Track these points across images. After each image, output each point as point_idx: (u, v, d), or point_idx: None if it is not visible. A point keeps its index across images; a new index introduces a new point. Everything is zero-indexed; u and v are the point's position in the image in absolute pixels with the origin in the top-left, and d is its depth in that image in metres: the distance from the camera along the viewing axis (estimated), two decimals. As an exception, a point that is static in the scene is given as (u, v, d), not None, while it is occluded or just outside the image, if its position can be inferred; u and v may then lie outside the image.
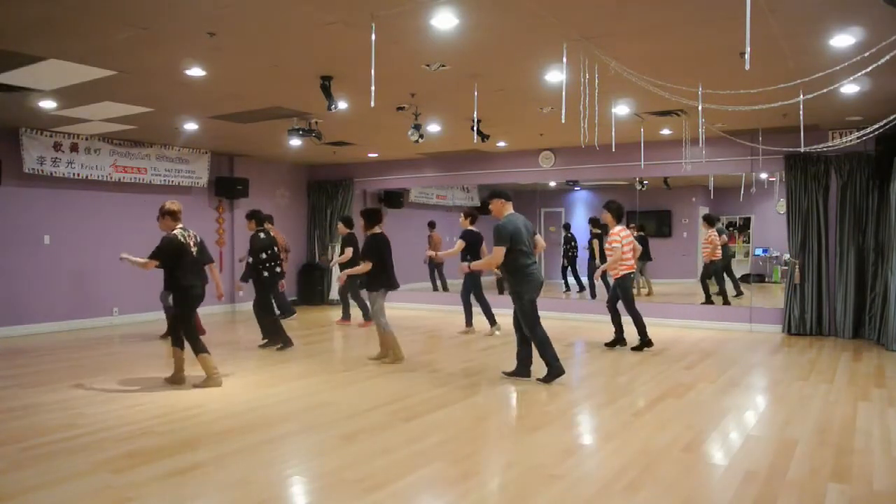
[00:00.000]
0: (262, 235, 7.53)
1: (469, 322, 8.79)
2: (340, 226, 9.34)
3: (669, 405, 5.13)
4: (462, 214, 8.62)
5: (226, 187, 11.05)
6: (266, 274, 7.43)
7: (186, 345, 5.73)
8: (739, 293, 10.45)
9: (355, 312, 9.94)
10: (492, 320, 8.53)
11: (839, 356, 7.19)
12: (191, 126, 8.46)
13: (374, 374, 6.28)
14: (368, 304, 6.88)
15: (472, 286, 8.57)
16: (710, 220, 10.30)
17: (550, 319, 10.10)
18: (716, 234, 10.11)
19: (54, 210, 9.04)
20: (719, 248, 10.03)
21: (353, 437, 4.34)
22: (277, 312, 9.07)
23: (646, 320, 9.49)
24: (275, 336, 7.57)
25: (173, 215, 5.86)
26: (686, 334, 8.71)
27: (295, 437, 4.38)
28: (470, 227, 8.49)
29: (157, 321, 9.83)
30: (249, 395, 5.48)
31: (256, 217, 7.71)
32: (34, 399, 5.32)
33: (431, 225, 12.57)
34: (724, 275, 10.18)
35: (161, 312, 9.90)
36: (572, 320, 9.95)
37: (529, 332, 5.90)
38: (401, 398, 5.32)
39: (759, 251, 11.85)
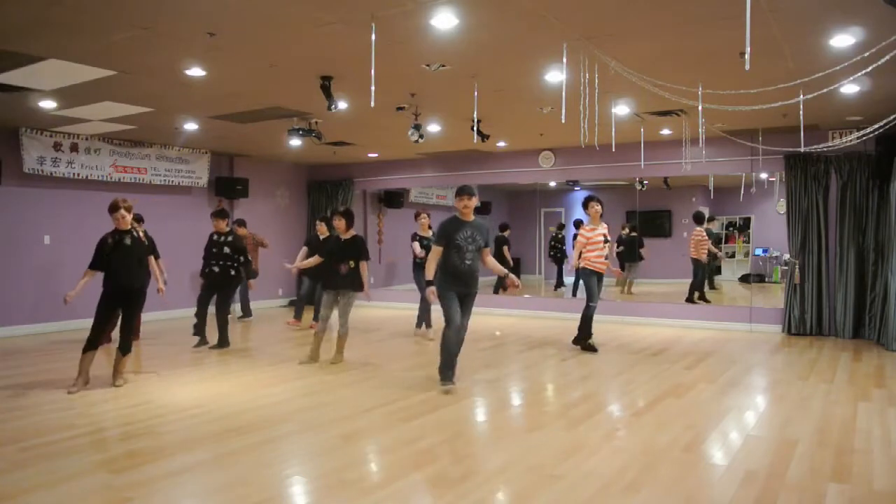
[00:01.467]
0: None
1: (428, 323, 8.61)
2: (323, 227, 8.94)
3: (669, 405, 5.13)
4: (427, 216, 8.47)
5: (226, 187, 11.05)
6: (233, 273, 7.52)
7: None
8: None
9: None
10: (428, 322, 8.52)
11: (839, 356, 7.19)
12: (191, 126, 8.46)
13: (373, 374, 6.28)
14: (326, 303, 6.67)
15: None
16: (695, 218, 10.34)
17: (550, 319, 10.12)
18: (701, 232, 10.13)
19: (54, 210, 9.04)
20: (703, 246, 10.04)
21: (353, 437, 4.34)
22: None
23: (646, 320, 9.61)
24: (224, 336, 7.58)
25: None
26: (686, 334, 8.71)
27: (295, 437, 4.38)
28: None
29: (156, 321, 9.83)
30: (249, 395, 5.48)
31: (228, 216, 7.74)
32: (34, 399, 5.32)
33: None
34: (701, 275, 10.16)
35: (163, 312, 9.93)
36: (572, 320, 9.93)
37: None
38: (400, 398, 5.32)
39: (759, 251, 11.84)
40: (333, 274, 6.60)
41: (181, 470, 3.74)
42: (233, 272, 7.50)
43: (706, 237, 10.20)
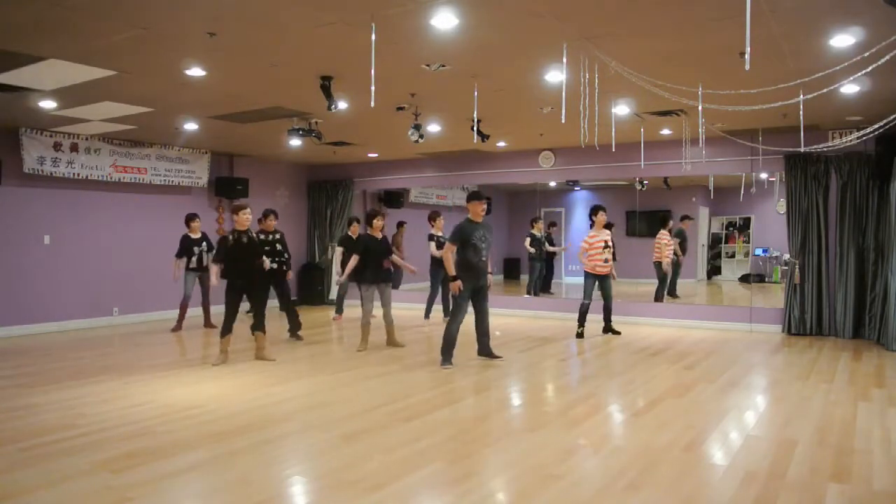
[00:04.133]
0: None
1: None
2: (356, 226, 9.73)
3: (669, 405, 5.13)
4: (440, 218, 9.38)
5: (226, 187, 11.04)
6: (285, 268, 8.10)
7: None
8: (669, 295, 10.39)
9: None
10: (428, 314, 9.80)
11: (839, 356, 7.19)
12: (191, 126, 8.46)
13: (374, 374, 6.29)
14: (370, 297, 7.44)
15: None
16: (660, 220, 10.23)
17: (550, 319, 10.12)
18: (665, 235, 9.95)
19: (54, 210, 9.04)
20: (666, 250, 9.90)
21: (353, 437, 4.34)
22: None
23: (645, 320, 9.61)
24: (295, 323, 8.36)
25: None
26: (686, 334, 8.71)
27: (295, 437, 4.38)
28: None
29: (156, 321, 9.84)
30: (249, 395, 5.48)
31: (276, 214, 8.27)
32: (34, 399, 5.32)
33: (400, 224, 12.31)
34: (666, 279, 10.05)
35: (166, 311, 10.01)
36: (572, 321, 9.94)
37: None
38: (401, 398, 5.32)
39: (759, 251, 11.85)
40: (377, 269, 7.36)
41: (181, 470, 3.74)
42: (285, 267, 8.10)
43: (670, 240, 9.99)
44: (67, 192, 9.16)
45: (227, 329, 6.68)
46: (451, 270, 6.30)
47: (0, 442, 4.22)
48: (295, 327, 8.25)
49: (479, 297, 6.53)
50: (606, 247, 8.17)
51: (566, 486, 3.48)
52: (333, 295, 12.23)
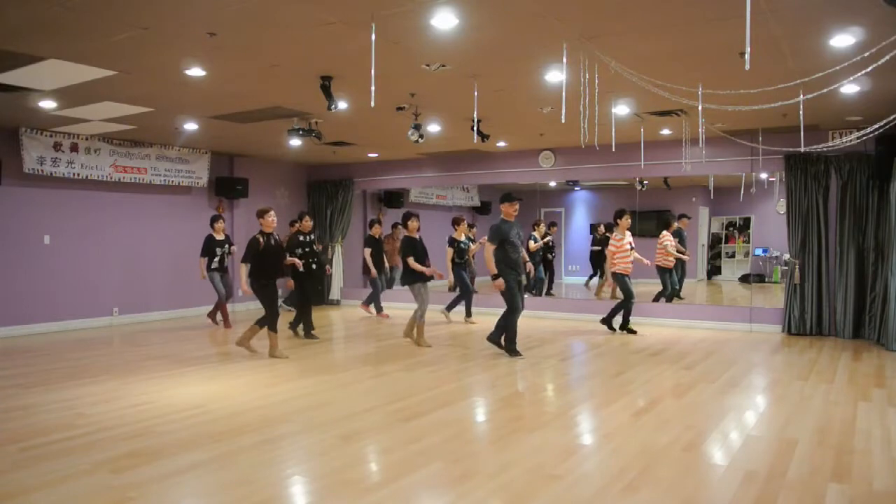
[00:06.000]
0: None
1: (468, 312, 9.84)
2: (378, 227, 10.14)
3: (669, 405, 5.13)
4: (464, 223, 9.57)
5: (226, 187, 11.05)
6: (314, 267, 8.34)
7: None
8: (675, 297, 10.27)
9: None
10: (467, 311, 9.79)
11: (839, 356, 7.19)
12: (191, 126, 8.46)
13: (374, 374, 6.29)
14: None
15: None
16: (663, 221, 10.01)
17: (551, 319, 10.12)
18: (665, 236, 9.67)
19: (54, 210, 9.04)
20: (657, 252, 9.68)
21: (353, 437, 4.34)
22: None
23: (646, 320, 9.60)
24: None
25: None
26: (686, 334, 8.71)
27: (295, 437, 4.38)
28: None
29: (156, 321, 9.84)
30: (249, 395, 5.48)
31: (310, 215, 8.74)
32: (34, 399, 5.32)
33: (395, 226, 11.70)
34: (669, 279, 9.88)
35: (166, 311, 10.03)
36: (571, 321, 9.95)
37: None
38: (401, 398, 5.32)
39: (759, 251, 11.85)
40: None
41: (181, 470, 3.74)
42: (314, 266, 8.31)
43: (673, 242, 9.72)
44: (67, 192, 9.16)
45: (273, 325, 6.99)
46: (494, 269, 6.62)
47: (0, 442, 4.23)
48: (308, 326, 8.35)
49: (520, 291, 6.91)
50: (632, 248, 8.51)
51: (566, 486, 3.48)
52: (334, 295, 12.30)
